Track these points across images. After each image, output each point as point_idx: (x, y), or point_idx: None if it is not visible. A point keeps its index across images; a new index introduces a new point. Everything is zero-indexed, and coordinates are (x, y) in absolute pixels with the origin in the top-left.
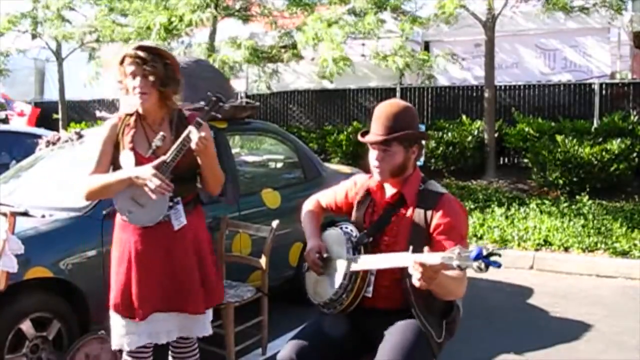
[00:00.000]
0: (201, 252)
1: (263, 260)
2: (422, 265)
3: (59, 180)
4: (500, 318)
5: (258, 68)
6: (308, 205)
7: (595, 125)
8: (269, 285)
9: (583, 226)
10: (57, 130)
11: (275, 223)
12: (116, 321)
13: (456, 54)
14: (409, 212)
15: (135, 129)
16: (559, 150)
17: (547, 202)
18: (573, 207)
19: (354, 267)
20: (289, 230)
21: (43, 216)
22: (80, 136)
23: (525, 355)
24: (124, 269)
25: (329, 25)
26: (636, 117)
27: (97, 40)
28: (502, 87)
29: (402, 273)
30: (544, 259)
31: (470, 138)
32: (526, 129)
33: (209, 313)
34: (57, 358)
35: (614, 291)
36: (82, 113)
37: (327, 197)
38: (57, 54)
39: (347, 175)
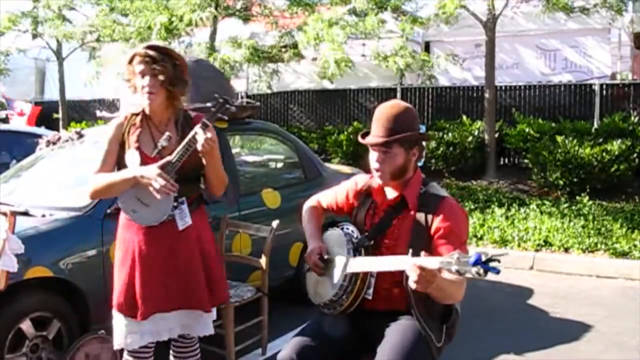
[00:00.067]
0: (205, 252)
1: (263, 260)
2: (421, 268)
3: (59, 179)
4: (500, 318)
5: (258, 68)
6: (309, 205)
7: (595, 126)
8: (269, 285)
9: (583, 227)
10: (58, 129)
11: (275, 223)
12: (119, 320)
13: (457, 54)
14: (410, 215)
15: (141, 128)
16: (560, 150)
17: (547, 202)
18: (573, 207)
19: (354, 268)
20: (289, 230)
21: (43, 216)
22: (80, 136)
23: (525, 355)
24: (127, 268)
25: (330, 26)
26: (636, 118)
27: (98, 40)
28: (503, 88)
29: (402, 276)
30: (544, 259)
31: (470, 138)
32: (526, 130)
33: (212, 313)
34: (57, 357)
35: (614, 292)
36: (82, 113)
37: (328, 197)
38: (58, 53)
39: (348, 176)
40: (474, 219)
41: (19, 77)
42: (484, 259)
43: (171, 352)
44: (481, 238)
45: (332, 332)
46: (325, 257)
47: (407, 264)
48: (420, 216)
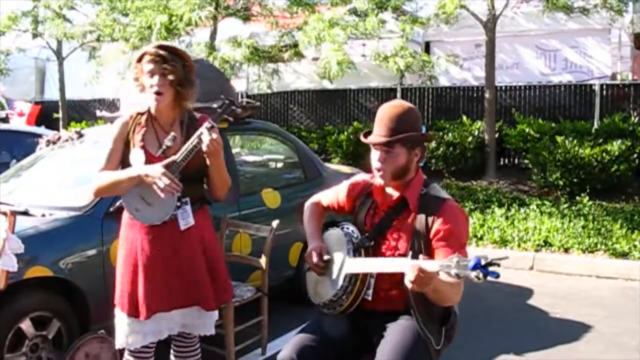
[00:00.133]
0: (208, 252)
1: (263, 260)
2: (420, 270)
3: (59, 179)
4: (499, 318)
5: (258, 68)
6: (310, 205)
7: (595, 126)
8: (269, 285)
9: (583, 227)
10: (58, 129)
11: (275, 223)
12: (121, 320)
13: (457, 54)
14: (411, 216)
15: (146, 127)
16: (560, 151)
17: (547, 202)
18: (573, 208)
19: (354, 269)
20: (289, 230)
21: (43, 215)
22: (80, 135)
23: (525, 355)
24: (130, 267)
25: (331, 26)
26: (637, 119)
27: (98, 40)
28: (503, 88)
29: (402, 277)
30: (544, 259)
31: (470, 139)
32: (526, 130)
33: (215, 313)
34: (57, 357)
35: (613, 292)
36: (82, 112)
37: (329, 196)
38: (58, 53)
39: (348, 176)
40: (474, 219)
41: (19, 76)
42: (483, 262)
43: (172, 351)
44: (481, 238)
45: (332, 332)
46: (325, 257)
47: (407, 267)
48: (421, 217)
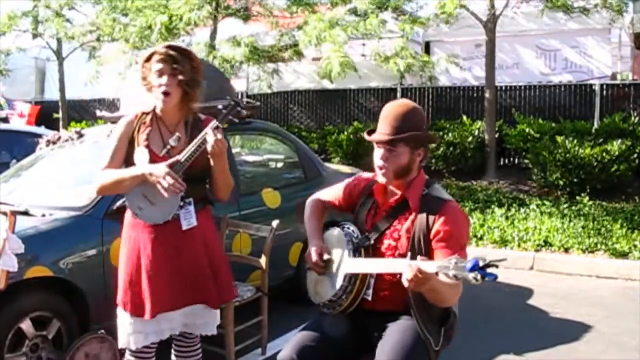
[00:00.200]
0: (211, 252)
1: (263, 260)
2: (418, 270)
3: (59, 179)
4: (499, 318)
5: (258, 67)
6: (310, 204)
7: (595, 126)
8: (269, 285)
9: (583, 227)
10: (58, 129)
11: (275, 223)
12: (123, 319)
13: (457, 54)
14: (412, 217)
15: (151, 127)
16: (560, 151)
17: (547, 202)
18: (573, 207)
19: (354, 269)
20: (289, 230)
21: (43, 215)
22: (80, 135)
23: (525, 355)
24: (132, 267)
25: (332, 26)
26: (637, 118)
27: (98, 40)
28: (503, 88)
29: (401, 277)
30: (544, 259)
31: (470, 138)
32: (527, 130)
33: (217, 313)
34: (57, 357)
35: (614, 292)
36: (82, 112)
37: (330, 195)
38: (58, 53)
39: (348, 175)
40: (474, 219)
41: (19, 76)
42: (481, 264)
43: (173, 351)
44: (481, 238)
45: (332, 332)
46: (326, 256)
47: (405, 267)
48: (422, 218)
